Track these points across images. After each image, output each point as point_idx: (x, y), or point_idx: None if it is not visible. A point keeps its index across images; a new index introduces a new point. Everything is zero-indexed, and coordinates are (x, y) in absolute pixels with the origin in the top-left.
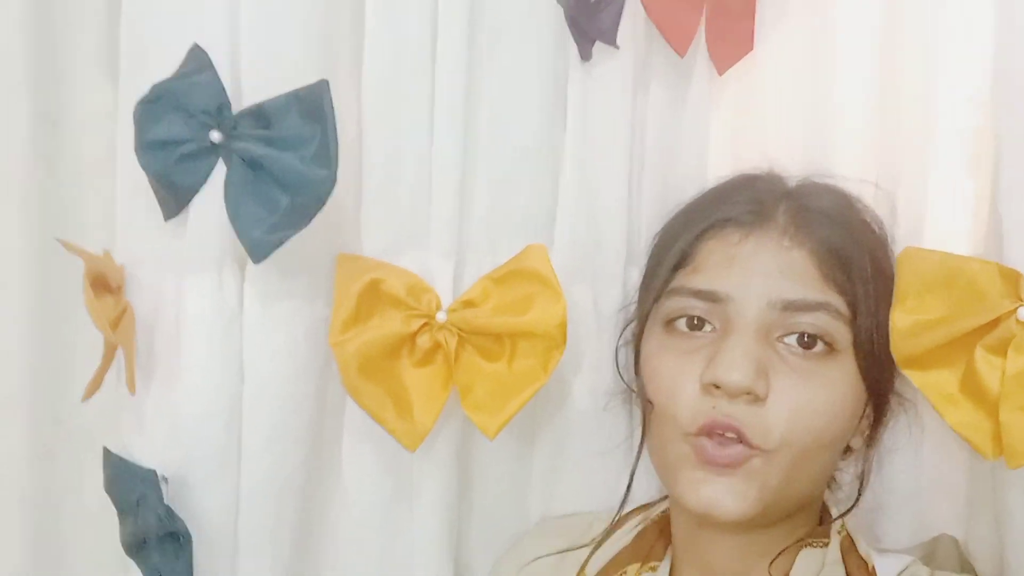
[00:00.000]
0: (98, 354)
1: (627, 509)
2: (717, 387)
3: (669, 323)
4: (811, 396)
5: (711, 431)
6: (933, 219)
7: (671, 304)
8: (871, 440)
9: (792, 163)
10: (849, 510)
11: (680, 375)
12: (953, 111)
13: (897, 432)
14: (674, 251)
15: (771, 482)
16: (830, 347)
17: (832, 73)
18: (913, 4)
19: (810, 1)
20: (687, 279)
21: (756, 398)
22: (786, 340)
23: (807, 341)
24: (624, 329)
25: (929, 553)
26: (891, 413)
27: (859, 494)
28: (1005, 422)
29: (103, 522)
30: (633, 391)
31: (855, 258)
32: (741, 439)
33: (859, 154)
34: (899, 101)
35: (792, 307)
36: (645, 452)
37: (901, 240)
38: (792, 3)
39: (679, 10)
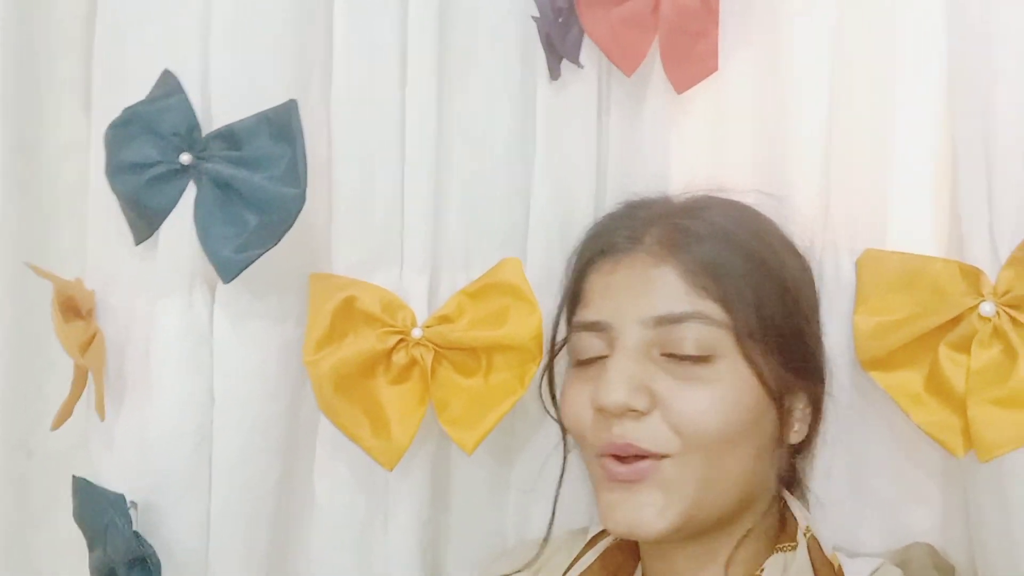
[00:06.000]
0: (69, 381)
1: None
2: (602, 410)
3: (576, 357)
4: (697, 397)
5: (612, 453)
6: (893, 232)
7: (573, 341)
8: (811, 435)
9: (751, 178)
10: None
11: (581, 401)
12: (910, 124)
13: (871, 441)
14: (567, 290)
15: (686, 489)
16: (710, 351)
17: (791, 90)
18: (868, 20)
19: (769, 19)
20: (580, 314)
21: (639, 413)
22: (668, 352)
23: (686, 350)
24: (545, 369)
25: (903, 561)
26: (825, 408)
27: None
28: (973, 416)
29: (74, 552)
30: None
31: (726, 264)
32: (639, 454)
33: (817, 169)
34: (858, 117)
35: (663, 321)
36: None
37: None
38: (752, 21)
39: (626, 30)
